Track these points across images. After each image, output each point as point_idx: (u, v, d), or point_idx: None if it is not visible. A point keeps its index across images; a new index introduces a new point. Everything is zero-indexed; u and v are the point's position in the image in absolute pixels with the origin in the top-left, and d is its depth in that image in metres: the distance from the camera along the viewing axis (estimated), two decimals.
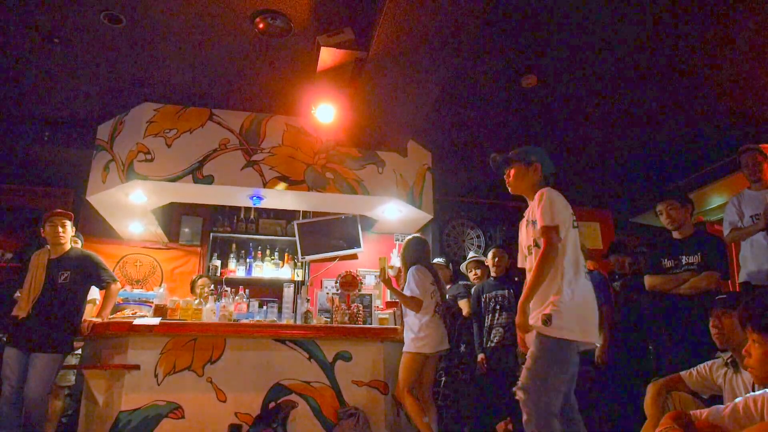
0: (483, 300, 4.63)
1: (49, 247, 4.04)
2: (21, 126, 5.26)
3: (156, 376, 3.86)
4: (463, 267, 5.19)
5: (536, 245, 2.62)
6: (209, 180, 4.82)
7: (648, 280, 3.72)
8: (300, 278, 6.27)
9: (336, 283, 5.07)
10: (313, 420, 4.01)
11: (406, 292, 4.00)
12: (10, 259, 5.82)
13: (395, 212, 5.68)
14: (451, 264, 5.47)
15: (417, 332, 3.92)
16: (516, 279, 4.73)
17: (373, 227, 6.48)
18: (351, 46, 3.68)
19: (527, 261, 2.76)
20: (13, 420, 3.67)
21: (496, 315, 4.46)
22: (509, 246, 5.01)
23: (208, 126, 4.97)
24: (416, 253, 4.21)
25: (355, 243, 6.29)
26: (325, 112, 4.31)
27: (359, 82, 3.92)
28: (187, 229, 6.44)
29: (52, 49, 4.12)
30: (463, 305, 4.83)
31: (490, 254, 4.79)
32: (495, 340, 4.42)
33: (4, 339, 4.01)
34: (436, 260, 5.15)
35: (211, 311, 4.22)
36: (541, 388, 2.43)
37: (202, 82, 4.61)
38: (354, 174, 5.14)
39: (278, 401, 3.97)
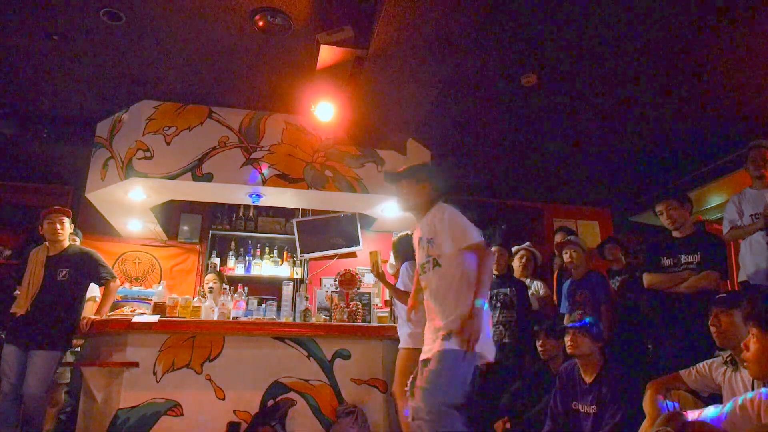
0: None
1: (47, 244, 4.04)
2: (20, 123, 5.24)
3: (155, 373, 3.86)
4: None
5: (436, 264, 2.65)
6: (209, 177, 4.82)
7: (647, 279, 3.72)
8: (299, 276, 6.27)
9: (335, 281, 5.07)
10: (311, 418, 4.01)
11: (400, 287, 3.99)
12: (8, 256, 5.81)
13: (395, 211, 5.67)
14: None
15: (413, 328, 3.91)
16: (515, 277, 4.74)
17: (372, 226, 6.48)
18: (351, 44, 3.68)
19: (423, 279, 2.76)
20: (12, 417, 3.67)
21: (497, 313, 4.46)
22: (509, 244, 5.02)
23: (208, 124, 4.97)
24: (408, 249, 4.21)
25: (354, 241, 6.29)
26: (325, 111, 4.31)
27: (359, 80, 3.92)
28: (186, 227, 6.43)
29: (51, 47, 4.11)
30: None
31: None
32: (495, 338, 4.42)
33: (3, 336, 4.01)
34: None
35: (210, 309, 4.22)
36: None
37: (202, 80, 4.60)
38: (353, 172, 5.14)
39: (277, 399, 3.98)
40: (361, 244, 6.29)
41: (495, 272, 4.70)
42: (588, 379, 3.18)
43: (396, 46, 3.45)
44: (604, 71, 4.25)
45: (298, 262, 6.32)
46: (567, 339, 3.25)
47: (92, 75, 4.53)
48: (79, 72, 4.48)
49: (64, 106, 5.07)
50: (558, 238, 5.18)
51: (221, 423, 3.86)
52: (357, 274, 5.09)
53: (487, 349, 2.59)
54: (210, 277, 5.22)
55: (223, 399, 3.93)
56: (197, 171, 4.81)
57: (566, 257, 4.48)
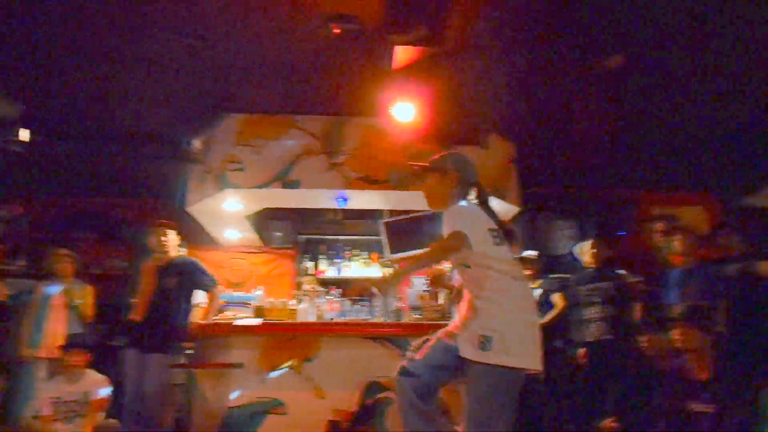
0: (579, 292, 4.46)
1: (156, 255, 4.36)
2: (125, 145, 5.70)
3: (259, 373, 4.05)
4: (576, 249, 4.99)
5: (464, 265, 2.39)
6: (296, 184, 4.99)
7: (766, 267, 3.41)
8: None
9: (426, 280, 5.07)
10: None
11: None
12: (124, 267, 6.33)
13: None
14: (541, 257, 5.30)
15: None
16: (615, 270, 4.51)
17: None
18: (424, 42, 3.67)
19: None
20: (137, 414, 4.00)
21: (596, 308, 4.28)
22: (606, 236, 4.79)
23: (292, 132, 5.14)
24: None
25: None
26: (404, 111, 4.32)
27: (435, 78, 3.90)
28: (278, 233, 6.70)
29: (142, 71, 4.43)
30: (557, 299, 4.68)
31: (587, 245, 4.61)
32: (596, 334, 4.24)
33: (125, 342, 4.38)
34: (526, 253, 5.02)
35: (305, 311, 4.36)
36: None
37: (284, 91, 4.78)
38: None
39: (375, 398, 4.04)
40: None
41: (592, 265, 4.51)
42: (701, 377, 2.97)
43: (469, 40, 3.40)
44: (694, 47, 3.93)
45: (388, 262, 6.39)
46: (676, 332, 3.05)
47: (183, 95, 4.84)
48: (172, 93, 4.81)
49: (162, 126, 5.44)
50: (660, 226, 4.88)
51: (322, 421, 3.98)
52: (446, 272, 5.06)
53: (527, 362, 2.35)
54: (307, 280, 5.41)
55: (324, 398, 4.05)
56: (285, 179, 4.99)
57: (675, 245, 4.19)
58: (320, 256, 6.44)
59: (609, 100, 4.76)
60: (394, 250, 6.24)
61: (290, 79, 4.56)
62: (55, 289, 4.69)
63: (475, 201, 2.53)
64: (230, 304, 5.23)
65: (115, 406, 4.11)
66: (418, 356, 2.37)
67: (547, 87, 4.53)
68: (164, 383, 4.10)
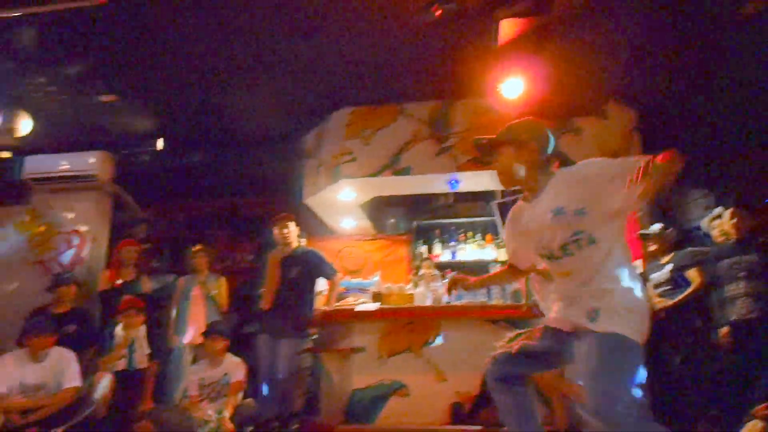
0: (720, 267, 4.08)
1: (280, 247, 4.62)
2: (246, 148, 6.09)
3: (380, 357, 4.17)
4: (704, 222, 4.59)
5: (590, 241, 1.96)
6: (407, 171, 5.04)
7: None
8: (505, 258, 6.20)
9: None
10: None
11: None
12: (251, 260, 6.80)
13: None
14: (670, 231, 4.90)
15: None
16: (761, 241, 4.07)
17: None
18: (531, 12, 3.51)
19: (564, 263, 2.03)
20: (270, 395, 4.29)
21: (741, 283, 3.88)
22: (748, 204, 4.33)
23: (400, 120, 5.19)
24: None
25: None
26: (512, 87, 4.19)
27: (545, 49, 3.73)
28: (392, 220, 6.83)
29: (256, 78, 4.69)
30: (694, 275, 4.31)
31: (726, 214, 4.20)
32: (741, 312, 3.86)
33: (257, 328, 4.70)
34: (651, 228, 4.68)
35: (422, 295, 4.40)
36: None
37: (389, 80, 4.83)
38: None
39: None
40: None
41: (733, 237, 4.11)
42: None
43: (580, 3, 3.20)
44: None
45: (502, 243, 6.26)
46: None
47: (293, 94, 5.07)
48: (282, 94, 5.05)
49: (274, 126, 5.74)
50: None
51: (445, 404, 4.01)
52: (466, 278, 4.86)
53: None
54: (421, 264, 5.45)
55: (445, 381, 4.07)
56: (396, 166, 5.06)
57: None
58: (434, 241, 6.46)
59: (744, 50, 4.27)
60: None
61: (395, 67, 4.60)
62: (193, 283, 5.13)
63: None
64: (350, 290, 5.41)
65: (251, 387, 4.44)
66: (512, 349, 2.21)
67: (669, 48, 4.16)
68: (294, 367, 4.36)
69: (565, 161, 2.15)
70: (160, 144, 5.94)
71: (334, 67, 4.58)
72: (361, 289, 5.37)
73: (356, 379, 4.15)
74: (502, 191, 6.20)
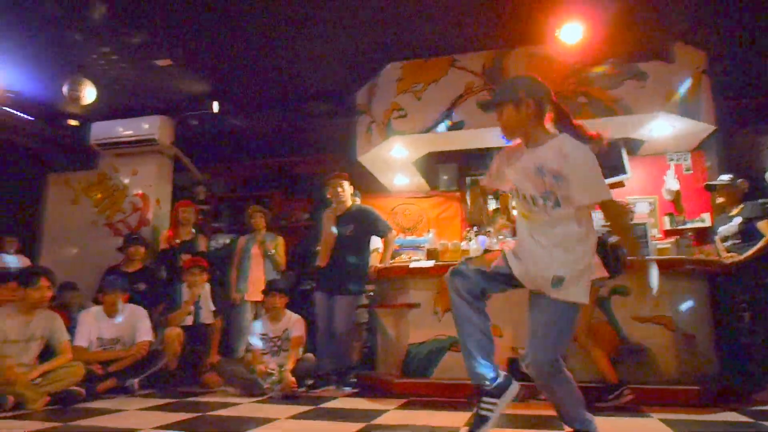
0: None
1: (334, 205, 4.66)
2: (297, 105, 6.11)
3: (435, 313, 4.19)
4: None
5: (556, 204, 2.18)
6: (460, 125, 4.93)
7: None
8: None
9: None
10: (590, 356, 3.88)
11: None
12: (306, 219, 6.92)
13: (666, 128, 5.01)
14: (740, 181, 4.61)
15: None
16: None
17: (640, 149, 5.83)
18: None
19: (528, 209, 2.28)
20: (328, 349, 4.42)
21: None
22: None
23: (452, 73, 5.05)
24: None
25: (619, 169, 5.75)
26: (571, 32, 3.98)
27: None
28: (445, 176, 6.74)
29: (304, 33, 4.64)
30: (765, 227, 4.06)
31: None
32: None
33: (314, 285, 4.81)
34: (720, 178, 4.42)
35: (477, 252, 4.36)
36: None
37: (441, 31, 4.68)
38: (610, 94, 4.66)
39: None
40: (628, 171, 5.73)
41: None
42: None
43: None
44: None
45: None
46: None
47: (344, 50, 5.01)
48: (333, 50, 5.00)
49: (325, 84, 5.72)
50: None
51: (501, 359, 4.01)
52: (629, 204, 4.68)
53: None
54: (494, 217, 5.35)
55: (501, 336, 4.06)
56: (449, 121, 4.95)
57: None
58: (488, 196, 6.35)
59: None
60: None
61: (447, 18, 4.44)
62: (252, 242, 5.28)
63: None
64: (404, 247, 5.44)
65: (310, 342, 4.59)
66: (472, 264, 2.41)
67: None
68: (350, 322, 4.47)
69: (561, 113, 2.31)
70: (215, 107, 6.05)
71: (385, 19, 4.47)
72: (416, 246, 5.38)
73: (412, 334, 4.20)
74: None
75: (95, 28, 4.58)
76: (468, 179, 6.50)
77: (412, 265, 4.26)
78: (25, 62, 5.18)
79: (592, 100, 4.68)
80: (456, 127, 4.94)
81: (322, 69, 5.37)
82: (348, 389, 4.27)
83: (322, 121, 6.36)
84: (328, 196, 4.67)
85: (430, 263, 4.21)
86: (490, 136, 5.14)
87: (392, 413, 3.29)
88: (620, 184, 5.90)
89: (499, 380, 2.28)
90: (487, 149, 6.31)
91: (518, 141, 2.38)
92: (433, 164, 6.70)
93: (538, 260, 2.24)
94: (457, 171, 6.73)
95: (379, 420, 3.05)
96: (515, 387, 2.29)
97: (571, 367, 2.36)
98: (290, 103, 6.13)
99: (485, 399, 2.24)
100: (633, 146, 5.79)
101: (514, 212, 2.52)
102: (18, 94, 5.72)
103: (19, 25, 4.53)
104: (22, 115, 6.07)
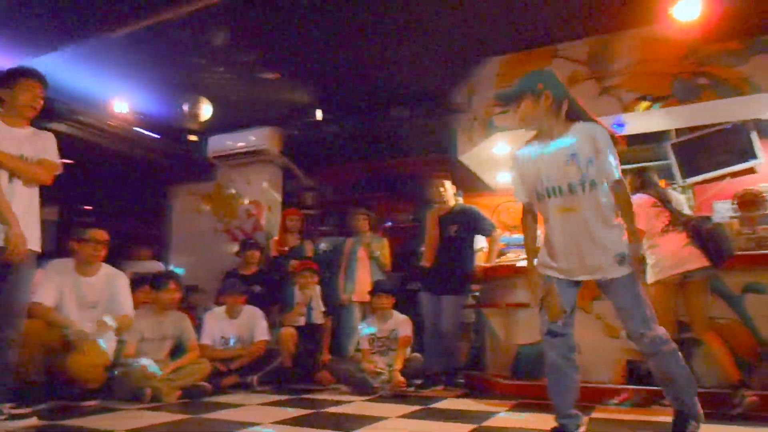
0: None
1: (437, 205, 4.65)
2: (397, 107, 6.18)
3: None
4: None
5: (591, 185, 2.36)
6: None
7: None
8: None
9: (733, 204, 4.33)
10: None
11: None
12: (410, 219, 6.96)
13: None
14: None
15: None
16: None
17: None
18: None
19: (567, 200, 2.39)
20: (436, 350, 4.41)
21: None
22: None
23: (554, 63, 4.86)
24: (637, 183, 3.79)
25: (749, 154, 5.21)
26: (688, 8, 3.68)
27: None
28: None
29: (402, 35, 4.67)
30: None
31: None
32: None
33: (419, 286, 4.83)
34: None
35: None
36: None
37: (542, 21, 4.53)
38: (736, 72, 4.25)
39: (681, 338, 3.65)
40: (759, 155, 5.18)
41: None
42: None
43: None
44: None
45: (680, 188, 5.63)
46: None
47: (441, 49, 4.98)
48: (431, 50, 4.99)
49: (425, 84, 5.72)
50: None
51: (619, 361, 3.79)
52: (761, 192, 4.24)
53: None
54: None
55: (617, 338, 3.84)
56: None
57: None
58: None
59: None
60: (687, 174, 5.49)
61: (546, 7, 4.28)
62: (358, 244, 5.41)
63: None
64: (510, 246, 5.30)
65: (417, 342, 4.60)
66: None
67: None
68: (457, 322, 4.43)
69: (578, 107, 2.44)
70: (319, 114, 6.29)
71: (481, 15, 4.40)
72: (522, 245, 5.22)
73: (522, 335, 4.08)
74: (677, 130, 5.57)
75: (213, 52, 4.95)
76: None
77: (520, 263, 4.14)
78: (150, 86, 5.70)
79: (715, 80, 4.29)
80: None
81: (421, 69, 5.38)
82: (457, 390, 4.24)
83: (423, 121, 6.38)
84: (431, 196, 4.67)
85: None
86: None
87: (503, 416, 3.22)
88: (750, 171, 5.35)
89: (579, 420, 2.43)
90: None
91: (528, 140, 2.55)
92: None
93: (590, 247, 2.36)
94: None
95: (491, 422, 3.00)
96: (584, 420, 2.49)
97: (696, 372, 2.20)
98: (390, 106, 6.21)
99: None
100: (765, 128, 5.23)
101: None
102: (145, 115, 6.30)
103: (146, 55, 4.99)
104: (149, 133, 6.68)
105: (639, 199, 3.70)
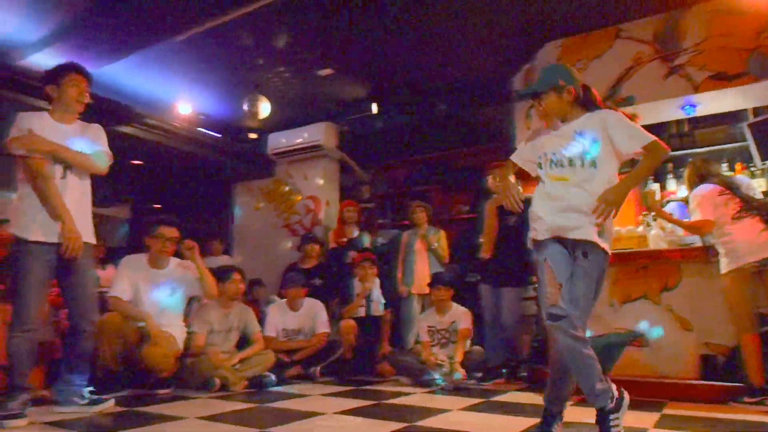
0: None
1: (496, 196, 4.57)
2: (452, 97, 6.10)
3: (611, 305, 3.91)
4: None
5: (592, 164, 2.41)
6: (630, 101, 4.53)
7: None
8: (764, 188, 5.23)
9: None
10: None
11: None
12: (467, 211, 6.87)
13: None
14: None
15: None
16: None
17: None
18: None
19: (561, 170, 2.46)
20: (497, 342, 4.35)
21: None
22: None
23: (617, 45, 4.67)
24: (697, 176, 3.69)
25: None
26: None
27: None
28: None
29: (456, 23, 4.60)
30: None
31: None
32: None
33: (479, 278, 4.77)
34: None
35: (657, 237, 3.97)
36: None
37: (603, 1, 4.34)
38: None
39: (762, 332, 3.43)
40: None
41: None
42: None
43: None
44: None
45: (758, 172, 5.28)
46: None
47: (497, 36, 4.87)
48: (486, 37, 4.89)
49: (481, 72, 5.62)
50: None
51: (692, 355, 3.61)
52: None
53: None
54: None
55: (690, 330, 3.65)
56: (617, 97, 4.58)
57: None
58: (667, 176, 5.74)
59: None
60: (766, 156, 5.13)
61: None
62: (415, 237, 5.39)
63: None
64: None
65: (477, 335, 4.55)
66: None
67: None
68: (518, 314, 4.35)
69: (594, 97, 2.53)
70: (374, 108, 6.30)
71: None
72: None
73: (589, 326, 3.95)
74: (754, 109, 5.22)
75: (270, 51, 5.05)
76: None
77: None
78: (212, 87, 5.88)
79: None
80: (626, 103, 4.53)
81: (477, 58, 5.29)
82: (519, 383, 4.16)
83: (479, 111, 6.28)
84: (489, 186, 4.59)
85: None
86: (667, 109, 4.66)
87: (567, 409, 3.13)
88: None
89: (616, 393, 2.35)
90: (664, 123, 5.74)
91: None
92: None
93: (574, 209, 2.39)
94: None
95: None
96: (627, 397, 2.40)
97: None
98: (445, 96, 6.15)
99: (611, 417, 2.29)
100: None
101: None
102: (207, 115, 6.52)
103: (206, 57, 5.15)
104: (211, 133, 6.91)
105: (704, 190, 3.52)
